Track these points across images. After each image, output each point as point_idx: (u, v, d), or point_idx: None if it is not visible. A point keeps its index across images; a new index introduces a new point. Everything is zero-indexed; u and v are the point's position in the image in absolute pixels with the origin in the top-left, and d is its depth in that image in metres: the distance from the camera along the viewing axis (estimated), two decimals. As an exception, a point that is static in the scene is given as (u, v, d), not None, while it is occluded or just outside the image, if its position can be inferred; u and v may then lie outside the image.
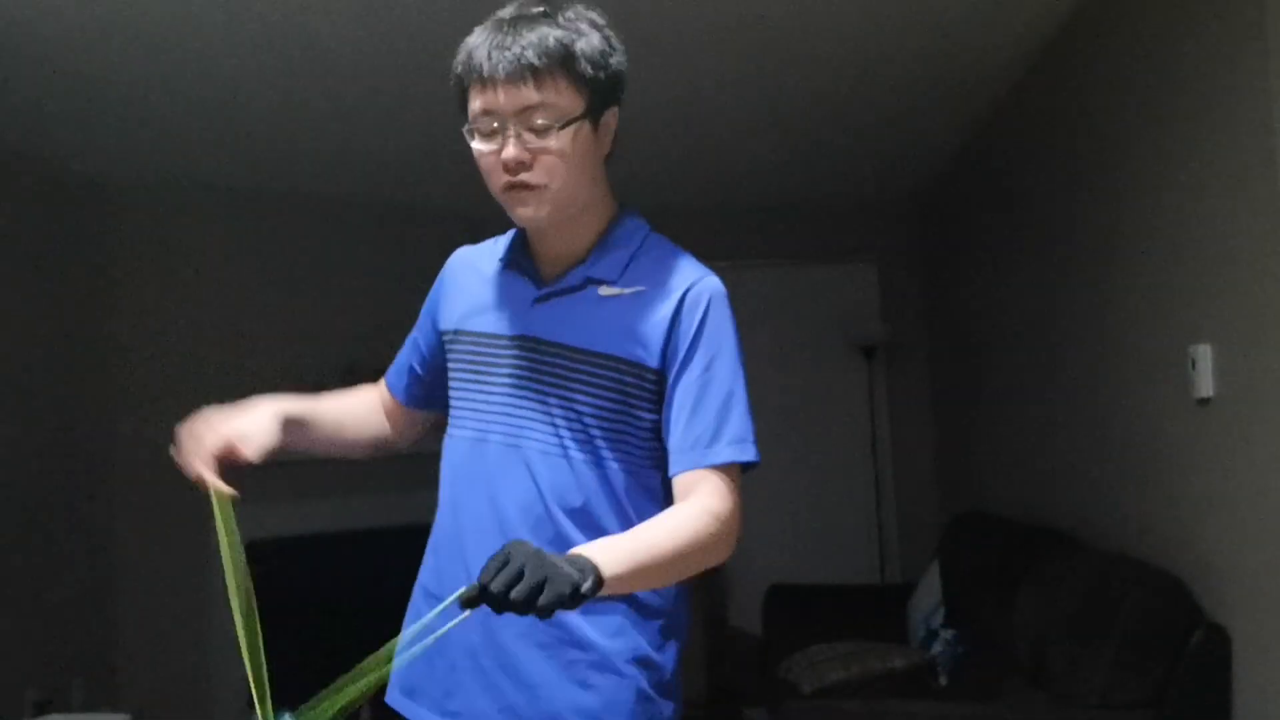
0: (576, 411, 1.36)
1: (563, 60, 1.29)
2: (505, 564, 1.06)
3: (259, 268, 4.51)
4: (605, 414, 1.36)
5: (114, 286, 4.26)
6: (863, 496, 5.04)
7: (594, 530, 1.33)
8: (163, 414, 4.70)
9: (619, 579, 1.14)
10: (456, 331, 1.47)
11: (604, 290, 1.39)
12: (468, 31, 1.41)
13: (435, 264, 1.58)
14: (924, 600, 3.71)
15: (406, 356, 1.61)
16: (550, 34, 1.30)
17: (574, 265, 1.41)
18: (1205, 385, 2.20)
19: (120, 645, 4.16)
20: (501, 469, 1.38)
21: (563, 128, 1.30)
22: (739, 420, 1.36)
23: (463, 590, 1.07)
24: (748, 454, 1.36)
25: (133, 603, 4.18)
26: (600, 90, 1.35)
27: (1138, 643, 2.14)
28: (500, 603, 1.04)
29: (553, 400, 1.37)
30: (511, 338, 1.41)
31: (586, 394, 1.36)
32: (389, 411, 1.65)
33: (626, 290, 1.39)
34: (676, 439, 1.35)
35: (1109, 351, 2.78)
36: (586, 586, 1.07)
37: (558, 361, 1.38)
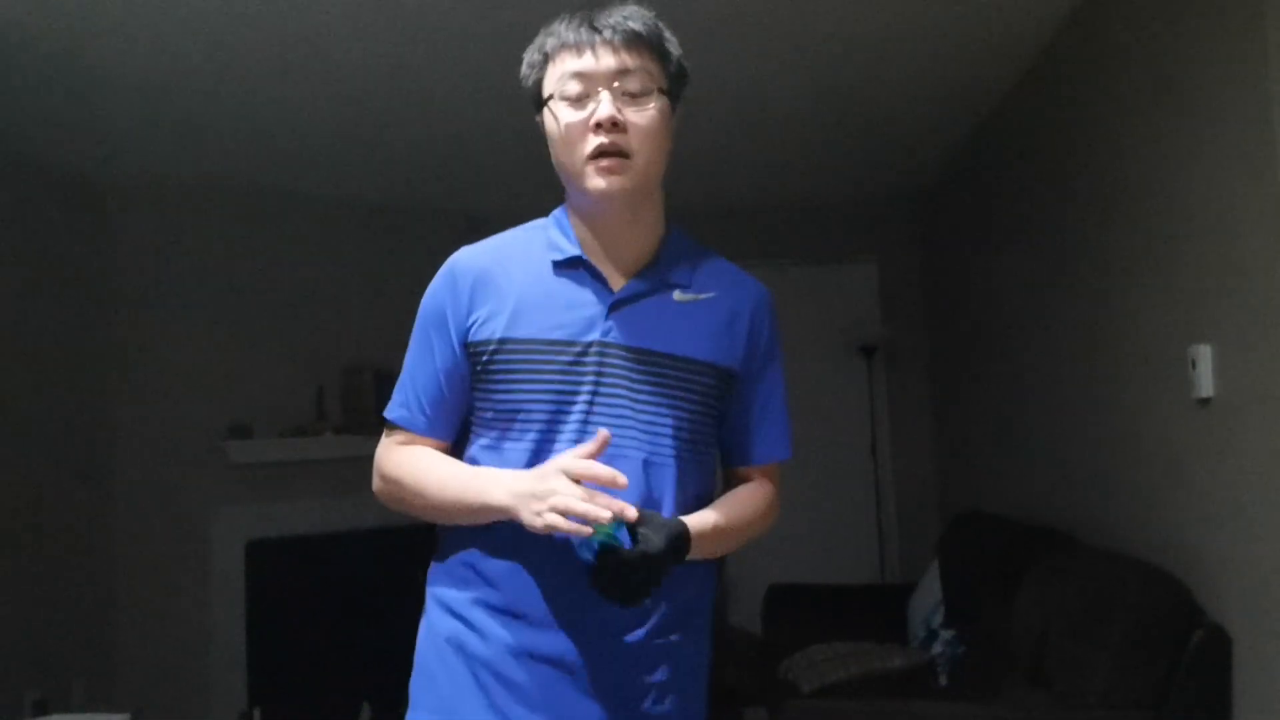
0: (668, 417, 1.36)
1: (657, 37, 1.36)
2: (654, 523, 1.24)
3: (259, 268, 4.50)
4: (693, 418, 1.39)
5: (114, 286, 4.26)
6: (863, 496, 5.04)
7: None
8: (163, 414, 4.74)
9: (704, 541, 1.33)
10: (505, 340, 1.36)
11: (679, 295, 1.40)
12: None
13: (435, 264, 1.49)
14: (924, 600, 3.71)
15: (438, 397, 1.42)
16: (641, 10, 1.36)
17: (639, 269, 1.40)
18: (1205, 385, 2.20)
19: (120, 645, 4.16)
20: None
21: (656, 95, 1.34)
22: (788, 425, 1.52)
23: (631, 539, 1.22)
24: (790, 454, 1.52)
25: (133, 603, 4.18)
26: (677, 79, 1.39)
27: (1138, 643, 2.14)
28: (664, 555, 1.23)
29: (644, 407, 1.35)
30: (588, 345, 1.35)
31: (680, 400, 1.37)
32: None
33: (701, 296, 1.41)
34: (751, 435, 1.47)
35: (1109, 351, 2.78)
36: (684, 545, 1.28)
37: (648, 369, 1.36)
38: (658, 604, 1.35)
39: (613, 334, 1.36)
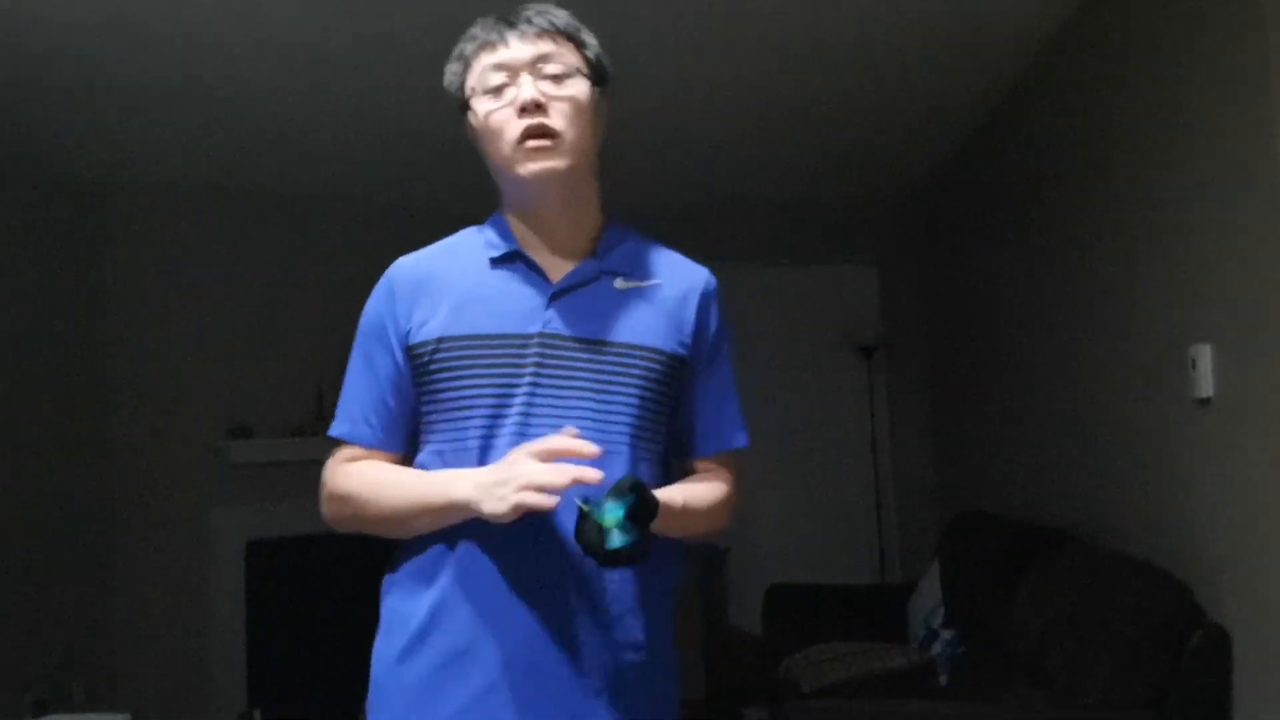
0: (615, 406, 1.34)
1: (572, 31, 1.38)
2: (634, 486, 1.20)
3: (259, 268, 4.50)
4: (642, 406, 1.36)
5: (113, 287, 4.26)
6: (863, 496, 5.04)
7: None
8: (162, 414, 4.73)
9: (669, 517, 1.28)
10: (443, 339, 1.35)
11: (620, 283, 1.39)
12: (467, 29, 1.43)
13: None
14: (924, 600, 3.70)
15: (382, 408, 1.41)
16: (558, 11, 1.38)
17: (578, 260, 1.39)
18: (1205, 385, 2.20)
19: (120, 645, 4.16)
20: None
21: (578, 76, 1.35)
22: (740, 410, 1.49)
23: (620, 490, 1.19)
24: (748, 442, 1.49)
25: (133, 603, 4.18)
26: (599, 72, 1.39)
27: (1138, 643, 2.14)
28: (643, 507, 1.19)
29: (589, 396, 1.33)
30: (529, 337, 1.34)
31: (626, 387, 1.35)
32: None
33: (644, 283, 1.40)
34: (705, 425, 1.45)
35: (1109, 351, 2.78)
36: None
37: (590, 358, 1.34)
38: (615, 596, 1.32)
39: (553, 324, 1.34)
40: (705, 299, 1.43)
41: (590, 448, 1.22)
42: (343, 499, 1.40)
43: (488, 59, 1.35)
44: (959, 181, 4.39)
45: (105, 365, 4.21)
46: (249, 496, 4.34)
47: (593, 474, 1.21)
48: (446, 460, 1.35)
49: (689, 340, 1.40)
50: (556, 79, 1.33)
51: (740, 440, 1.48)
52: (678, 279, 1.43)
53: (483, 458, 1.32)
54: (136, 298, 4.27)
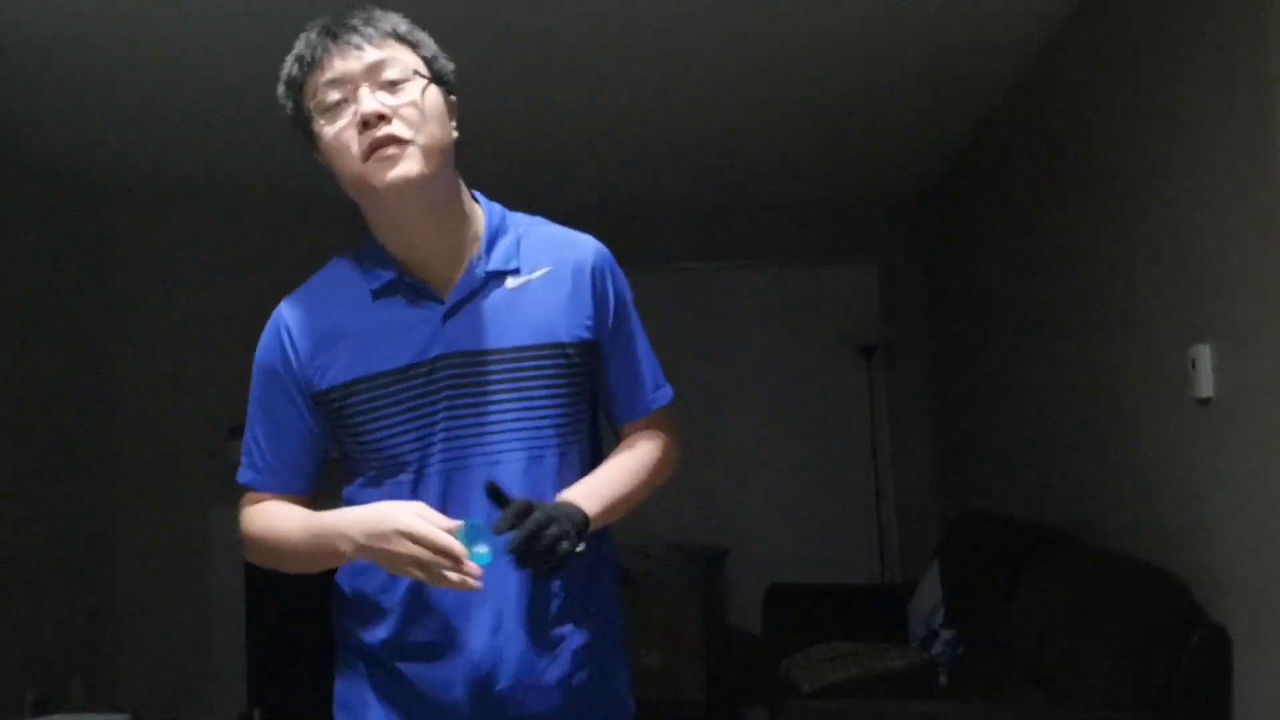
0: (538, 410, 1.33)
1: (400, 33, 1.32)
2: (528, 512, 1.19)
3: (259, 268, 4.50)
4: (562, 404, 1.35)
5: (113, 287, 4.26)
6: (863, 496, 5.04)
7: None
8: (162, 414, 4.73)
9: (600, 516, 1.30)
10: (352, 382, 1.32)
11: (510, 282, 1.36)
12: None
13: None
14: (924, 600, 3.70)
15: (284, 453, 1.39)
16: (385, 15, 1.33)
17: (462, 267, 1.34)
18: (1205, 385, 2.20)
19: (120, 645, 4.16)
20: (479, 494, 1.28)
21: (417, 79, 1.29)
22: (657, 364, 1.50)
23: (511, 535, 1.18)
24: (671, 394, 1.50)
25: (133, 603, 4.18)
26: (438, 69, 1.35)
27: (1138, 643, 2.14)
28: (535, 544, 1.17)
29: (510, 408, 1.31)
30: (434, 360, 1.31)
31: (541, 390, 1.33)
32: None
33: (534, 275, 1.37)
34: (624, 394, 1.45)
35: (1109, 351, 2.77)
36: (584, 524, 1.24)
37: (501, 368, 1.32)
38: (550, 585, 1.33)
39: (453, 344, 1.31)
40: (597, 273, 1.40)
41: (457, 548, 1.18)
42: (250, 540, 1.41)
43: (320, 77, 1.28)
44: (959, 181, 4.39)
45: (106, 365, 4.21)
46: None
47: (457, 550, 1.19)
48: (385, 493, 1.33)
49: (591, 321, 1.38)
50: (394, 85, 1.28)
51: (663, 398, 1.48)
52: (566, 259, 1.39)
53: (416, 492, 1.31)
54: (137, 298, 4.28)
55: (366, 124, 1.25)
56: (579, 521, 1.24)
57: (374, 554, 1.23)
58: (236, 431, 4.71)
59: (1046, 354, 3.30)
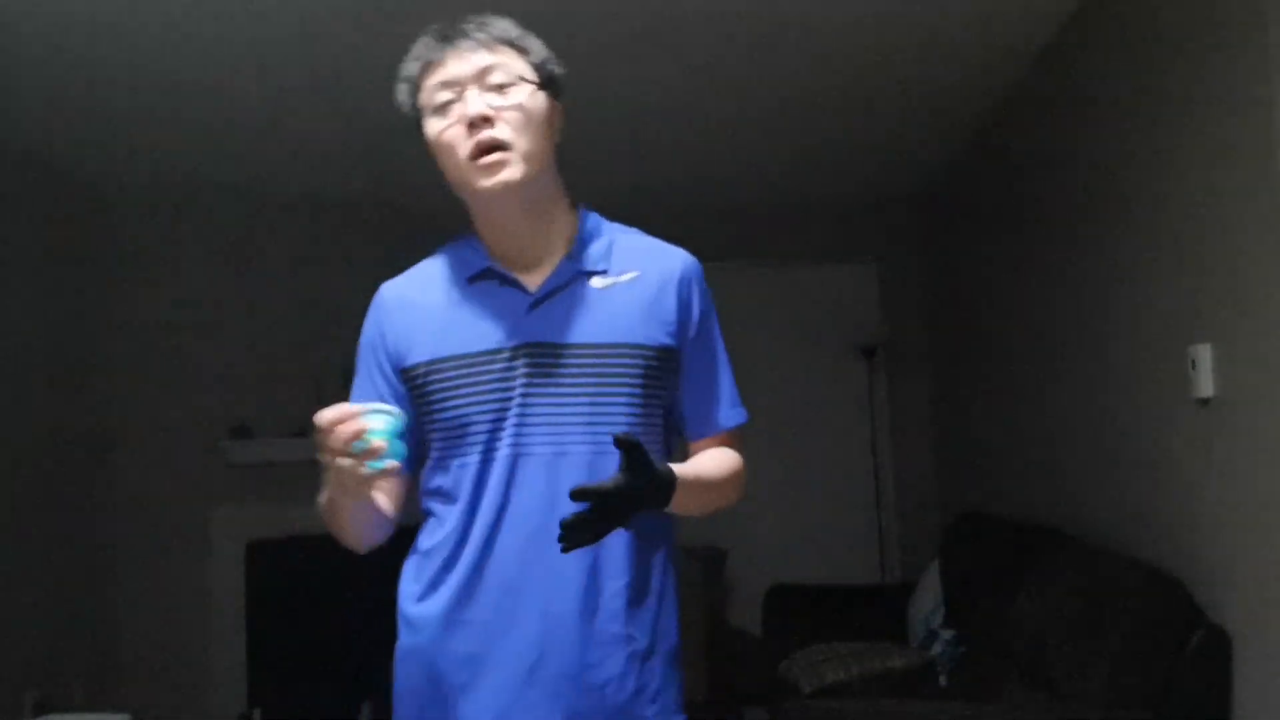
0: (607, 408, 1.36)
1: (512, 39, 1.37)
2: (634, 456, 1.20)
3: (259, 268, 4.51)
4: (633, 404, 1.37)
5: (113, 287, 4.26)
6: (863, 496, 5.04)
7: (642, 518, 1.34)
8: (163, 415, 4.73)
9: (683, 487, 1.30)
10: (433, 361, 1.38)
11: (597, 282, 1.40)
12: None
13: None
14: (924, 600, 3.70)
15: None
16: (498, 21, 1.38)
17: (554, 264, 1.39)
18: (1205, 385, 2.20)
19: (120, 645, 4.16)
20: (549, 480, 1.32)
21: (522, 84, 1.34)
22: (735, 386, 1.51)
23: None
24: (746, 416, 1.52)
25: (133, 603, 4.18)
26: (546, 76, 1.39)
27: (1138, 643, 2.14)
28: (637, 480, 1.19)
29: (584, 402, 1.35)
30: (515, 349, 1.35)
31: (615, 388, 1.36)
32: (393, 496, 1.47)
33: (621, 278, 1.40)
34: (699, 407, 1.46)
35: (1109, 351, 2.78)
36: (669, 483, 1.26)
37: (578, 362, 1.35)
38: (608, 585, 1.35)
39: (536, 334, 1.36)
40: (685, 284, 1.43)
41: (352, 409, 1.22)
42: (322, 512, 1.41)
43: (433, 78, 1.35)
44: (960, 181, 4.39)
45: (106, 365, 4.21)
46: (249, 496, 4.35)
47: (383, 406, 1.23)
48: (451, 474, 1.38)
49: (674, 328, 1.41)
50: (502, 89, 1.33)
51: (737, 417, 1.50)
52: (656, 267, 1.42)
53: (483, 471, 1.35)
54: (136, 298, 4.28)
55: (472, 125, 1.31)
56: (665, 486, 1.25)
57: (329, 479, 1.28)
58: (236, 431, 4.70)
59: (1046, 354, 3.30)
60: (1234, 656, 2.12)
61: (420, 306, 1.42)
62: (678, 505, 1.30)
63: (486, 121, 1.31)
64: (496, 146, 1.31)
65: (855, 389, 5.11)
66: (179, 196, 4.34)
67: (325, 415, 1.20)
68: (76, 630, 3.95)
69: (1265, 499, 2.00)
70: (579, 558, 1.30)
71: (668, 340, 1.40)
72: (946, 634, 3.38)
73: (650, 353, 1.38)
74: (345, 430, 1.19)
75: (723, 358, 1.49)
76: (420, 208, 4.81)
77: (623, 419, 1.36)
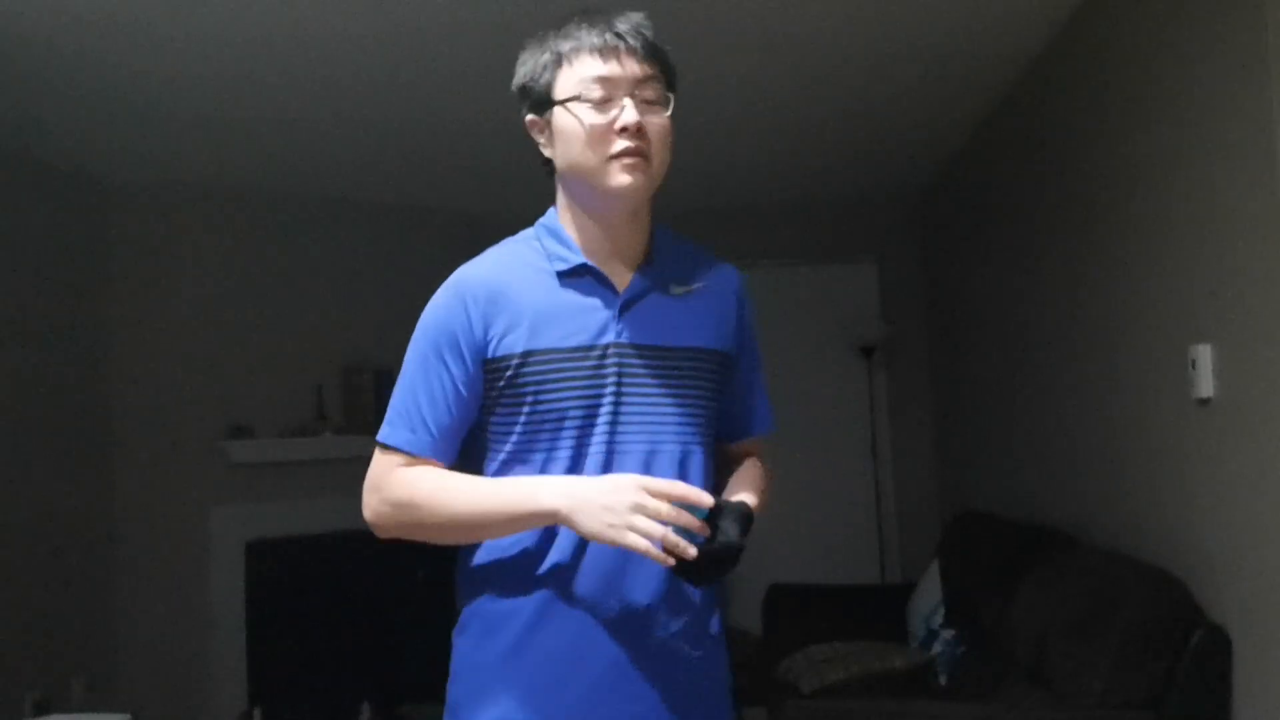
0: (688, 409, 1.43)
1: (664, 55, 1.43)
2: (727, 510, 1.30)
3: (259, 268, 4.51)
4: (707, 407, 1.46)
5: (113, 287, 4.26)
6: (863, 496, 5.04)
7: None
8: (163, 414, 4.73)
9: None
10: (528, 352, 1.38)
11: (676, 290, 1.47)
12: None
13: (436, 264, 1.50)
14: (924, 600, 3.70)
15: (445, 417, 1.41)
16: (650, 29, 1.42)
17: (636, 267, 1.45)
18: (1205, 385, 2.20)
19: (120, 645, 4.16)
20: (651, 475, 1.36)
21: (666, 104, 1.40)
22: (767, 394, 1.63)
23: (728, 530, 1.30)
24: (775, 425, 1.62)
25: (133, 602, 4.18)
26: (674, 91, 1.44)
27: (1138, 643, 2.14)
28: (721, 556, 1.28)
29: (668, 402, 1.41)
30: (607, 347, 1.39)
31: (694, 390, 1.44)
32: None
33: (694, 287, 1.49)
34: (741, 411, 1.56)
35: (1109, 351, 2.78)
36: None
37: (664, 363, 1.42)
38: (696, 599, 1.42)
39: (625, 334, 1.40)
40: (740, 296, 1.54)
41: (707, 499, 1.29)
42: (404, 505, 1.40)
43: (593, 68, 1.36)
44: (959, 181, 4.39)
45: (105, 365, 4.21)
46: (249, 496, 4.34)
47: (705, 498, 1.29)
48: (538, 470, 1.39)
49: (733, 337, 1.52)
50: (651, 104, 1.38)
51: (771, 424, 1.60)
52: (716, 279, 1.52)
53: (574, 467, 1.38)
54: (136, 297, 4.28)
55: (625, 130, 1.35)
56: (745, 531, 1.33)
57: (589, 512, 1.28)
58: (236, 431, 4.70)
59: (1046, 354, 3.30)
60: (1234, 656, 2.12)
61: (509, 296, 1.40)
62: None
63: (639, 132, 1.36)
64: (639, 154, 1.37)
65: (855, 389, 5.11)
66: (179, 196, 4.34)
67: (680, 490, 1.28)
68: (76, 630, 3.95)
69: (1265, 499, 2.00)
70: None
71: (729, 348, 1.50)
72: (946, 634, 3.38)
73: (720, 358, 1.48)
74: (687, 516, 1.27)
75: (761, 368, 1.60)
76: (421, 208, 4.82)
77: (701, 419, 1.44)
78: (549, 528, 1.36)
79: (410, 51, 3.00)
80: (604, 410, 1.38)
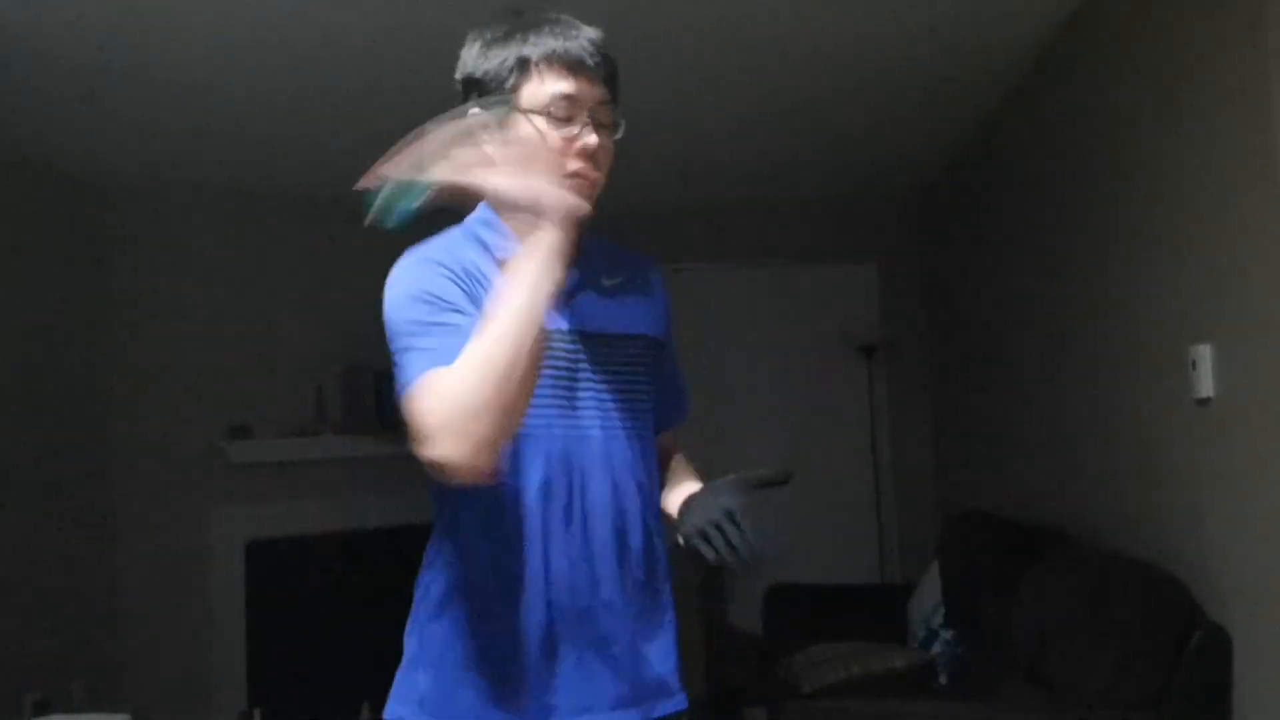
0: (637, 393, 1.47)
1: (616, 75, 1.44)
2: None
3: (259, 268, 4.51)
4: (650, 390, 1.50)
5: (113, 286, 4.26)
6: (863, 496, 5.04)
7: (651, 504, 1.48)
8: (162, 415, 4.72)
9: None
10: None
11: (606, 283, 1.49)
12: (471, 29, 1.43)
13: None
14: (924, 600, 3.71)
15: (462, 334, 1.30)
16: (603, 43, 1.42)
17: (571, 263, 1.40)
18: (1205, 385, 2.20)
19: (120, 645, 4.16)
20: (604, 461, 1.40)
21: (612, 128, 1.41)
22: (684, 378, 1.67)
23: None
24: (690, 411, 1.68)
25: (133, 603, 4.18)
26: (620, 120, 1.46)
27: (1138, 643, 2.14)
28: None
29: (621, 385, 1.44)
30: (552, 334, 1.38)
31: (641, 375, 1.48)
32: None
33: (619, 279, 1.51)
34: (667, 399, 1.59)
35: (1109, 351, 2.78)
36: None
37: (611, 350, 1.45)
38: (633, 547, 1.44)
39: (571, 323, 1.42)
40: (660, 283, 1.58)
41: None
42: (457, 385, 1.21)
43: (560, 85, 1.36)
44: (959, 181, 4.39)
45: (105, 365, 4.20)
46: (249, 496, 4.34)
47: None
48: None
49: (663, 322, 1.56)
50: (604, 127, 1.40)
51: (688, 411, 1.67)
52: (639, 271, 1.56)
53: (530, 449, 1.37)
54: (137, 297, 4.27)
55: (581, 153, 1.37)
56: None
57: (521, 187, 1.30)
58: (236, 431, 4.69)
59: (1046, 354, 3.30)
60: (1234, 656, 2.12)
61: (472, 272, 1.37)
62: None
63: (595, 156, 1.39)
64: (590, 176, 1.39)
65: (855, 389, 5.11)
66: (179, 196, 4.34)
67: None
68: (76, 630, 3.95)
69: (1265, 499, 2.00)
70: (611, 525, 1.40)
71: (662, 334, 1.55)
72: (946, 634, 3.38)
73: (655, 343, 1.52)
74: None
75: (677, 359, 1.64)
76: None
77: (645, 405, 1.48)
78: (516, 509, 1.35)
79: (410, 51, 2.99)
80: (559, 395, 1.39)
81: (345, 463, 4.44)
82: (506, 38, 1.41)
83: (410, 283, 1.36)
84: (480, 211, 1.49)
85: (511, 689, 1.37)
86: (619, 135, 1.42)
